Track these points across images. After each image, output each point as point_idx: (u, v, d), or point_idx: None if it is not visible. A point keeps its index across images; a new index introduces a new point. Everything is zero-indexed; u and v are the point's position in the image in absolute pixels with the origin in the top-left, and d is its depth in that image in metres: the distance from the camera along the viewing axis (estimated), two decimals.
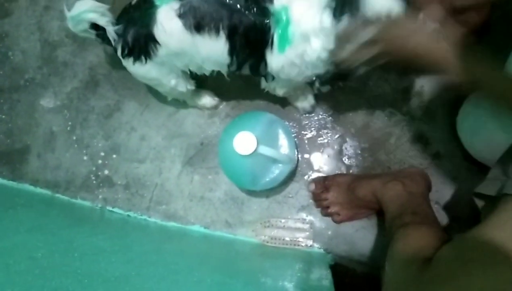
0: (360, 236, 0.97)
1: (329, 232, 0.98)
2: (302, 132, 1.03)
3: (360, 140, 1.01)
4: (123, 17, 0.78)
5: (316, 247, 0.97)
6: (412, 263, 0.63)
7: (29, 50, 1.16)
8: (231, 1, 0.71)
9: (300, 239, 0.98)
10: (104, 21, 0.77)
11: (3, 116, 1.14)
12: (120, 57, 0.80)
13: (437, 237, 0.70)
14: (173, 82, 0.86)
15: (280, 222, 1.00)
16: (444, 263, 0.58)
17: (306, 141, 1.02)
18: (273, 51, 0.73)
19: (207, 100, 1.03)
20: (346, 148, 1.02)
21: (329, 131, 1.02)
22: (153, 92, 1.08)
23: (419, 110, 1.00)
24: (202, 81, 0.95)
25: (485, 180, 0.66)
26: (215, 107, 1.05)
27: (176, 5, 0.72)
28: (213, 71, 0.83)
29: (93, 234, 0.87)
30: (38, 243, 0.73)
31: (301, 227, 0.99)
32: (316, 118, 1.03)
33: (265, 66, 0.76)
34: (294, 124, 1.03)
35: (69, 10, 0.80)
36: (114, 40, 0.78)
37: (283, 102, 1.01)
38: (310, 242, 0.98)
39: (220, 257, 0.93)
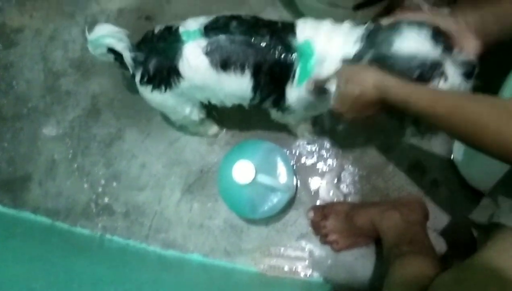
0: (359, 264, 0.96)
1: (329, 261, 0.98)
2: (301, 160, 1.04)
3: (358, 168, 1.02)
4: (145, 44, 0.78)
5: (316, 276, 0.97)
6: None
7: (33, 80, 1.19)
8: (256, 40, 0.73)
9: (300, 268, 0.98)
10: (121, 46, 0.78)
11: (6, 145, 1.15)
12: (138, 83, 0.80)
13: (433, 266, 0.70)
14: (187, 110, 0.87)
15: (279, 250, 0.99)
16: None
17: (304, 169, 1.03)
18: (293, 85, 0.75)
19: (209, 127, 1.04)
20: (344, 176, 1.02)
21: (327, 159, 1.03)
22: (155, 121, 1.10)
23: (416, 138, 1.01)
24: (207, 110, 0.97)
25: (477, 208, 0.67)
26: (216, 135, 1.07)
27: (203, 43, 0.74)
28: (234, 104, 0.85)
29: (92, 263, 0.87)
30: (37, 273, 0.73)
31: (300, 256, 0.99)
32: (314, 146, 1.04)
33: (284, 101, 0.78)
34: (293, 152, 1.04)
35: (89, 33, 0.80)
36: (131, 66, 0.79)
37: (282, 130, 1.03)
38: (309, 271, 0.97)
39: (219, 287, 0.93)
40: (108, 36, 0.79)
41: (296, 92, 0.76)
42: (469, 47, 0.69)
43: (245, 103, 0.84)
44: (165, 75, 0.77)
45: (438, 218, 0.96)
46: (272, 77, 0.75)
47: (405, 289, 0.65)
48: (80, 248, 0.98)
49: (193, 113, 0.89)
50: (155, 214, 1.06)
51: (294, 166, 1.02)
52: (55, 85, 1.18)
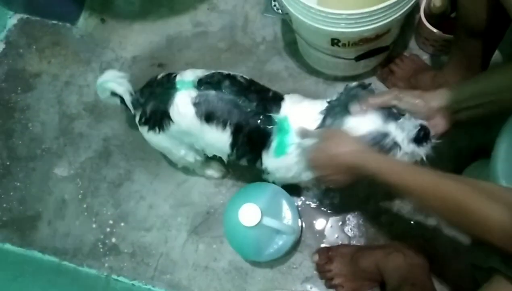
0: None
1: None
2: (306, 202, 1.06)
3: (363, 212, 1.04)
4: (147, 88, 0.86)
5: None
6: None
7: (48, 122, 1.24)
8: (243, 103, 0.79)
9: None
10: (121, 90, 0.86)
11: (18, 184, 1.18)
12: (137, 123, 0.87)
13: None
14: (182, 152, 0.92)
15: None
16: None
17: (309, 212, 1.05)
18: (269, 154, 0.81)
19: (215, 170, 1.07)
20: (349, 219, 1.04)
21: (332, 202, 1.05)
22: (164, 163, 1.13)
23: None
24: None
25: (476, 250, 0.68)
26: (222, 177, 1.10)
27: (194, 94, 0.80)
28: (214, 155, 0.91)
29: None
30: None
31: None
32: (319, 189, 1.06)
33: (261, 163, 0.84)
34: (298, 195, 1.06)
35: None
36: (132, 108, 0.86)
37: None
38: None
39: None
40: (111, 81, 0.87)
41: (273, 162, 0.83)
42: (437, 125, 0.74)
43: (224, 158, 0.89)
44: (159, 118, 0.83)
45: (442, 263, 0.96)
46: (250, 140, 0.81)
47: None
48: (86, 288, 0.98)
49: (189, 156, 0.94)
50: (161, 255, 1.06)
51: (299, 208, 1.04)
52: (68, 127, 1.22)
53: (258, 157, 0.83)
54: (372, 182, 0.66)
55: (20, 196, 1.17)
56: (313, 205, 1.06)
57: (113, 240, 1.09)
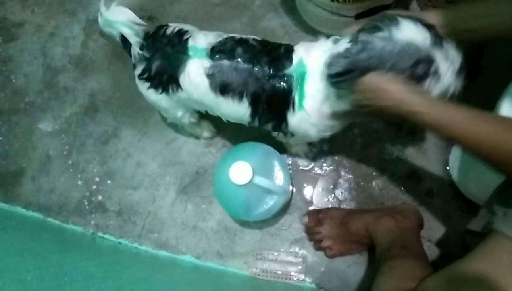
0: (352, 272, 0.96)
1: (322, 267, 0.97)
2: (297, 165, 1.04)
3: (354, 175, 1.02)
4: (154, 41, 0.78)
5: (308, 282, 0.96)
6: None
7: (32, 75, 1.19)
8: (257, 71, 0.74)
9: (292, 273, 0.97)
10: (135, 40, 0.78)
11: (1, 138, 1.14)
12: (136, 76, 0.81)
13: (422, 269, 0.71)
14: (179, 114, 0.88)
15: (273, 254, 0.99)
16: None
17: (300, 174, 1.03)
18: (294, 110, 0.75)
19: (205, 130, 1.04)
20: (340, 182, 1.03)
21: (323, 166, 1.04)
22: (152, 121, 1.10)
23: (412, 148, 1.02)
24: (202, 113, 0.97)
25: (474, 218, 0.68)
26: (212, 137, 1.07)
27: (207, 64, 0.75)
28: (230, 122, 0.86)
29: (84, 259, 0.86)
30: (28, 266, 0.72)
31: (293, 261, 0.98)
32: (311, 152, 1.04)
33: (286, 125, 0.79)
34: (290, 157, 1.04)
35: (107, 9, 0.78)
36: (135, 58, 0.79)
37: None
38: (302, 276, 0.97)
39: (210, 289, 0.92)
40: (126, 26, 0.77)
41: (297, 117, 0.76)
42: None
43: (244, 123, 0.84)
44: (165, 80, 0.78)
45: (432, 228, 0.96)
46: (270, 106, 0.76)
47: (393, 290, 0.66)
48: (71, 244, 0.97)
49: (185, 117, 0.90)
50: (149, 214, 1.05)
51: (291, 170, 1.03)
52: (53, 81, 1.17)
53: (283, 119, 0.78)
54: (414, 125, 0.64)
55: (2, 150, 1.14)
56: (304, 168, 1.04)
57: (99, 197, 1.07)
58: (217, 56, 0.75)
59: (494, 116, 0.60)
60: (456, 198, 0.97)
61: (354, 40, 0.66)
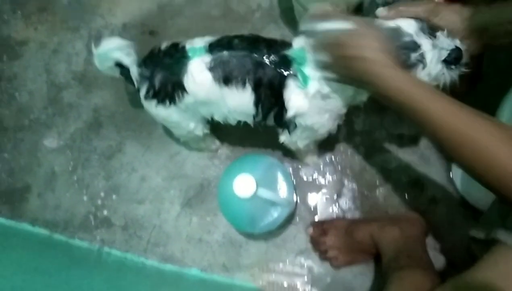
0: (358, 282, 0.96)
1: (328, 278, 0.97)
2: (301, 175, 1.04)
3: (358, 185, 1.02)
4: (151, 59, 0.79)
5: None
6: None
7: (36, 91, 1.20)
8: (255, 54, 0.75)
9: (298, 285, 0.97)
10: (129, 60, 0.79)
11: (6, 155, 1.15)
12: (142, 98, 0.81)
13: (430, 280, 0.71)
14: (192, 126, 0.88)
15: (278, 266, 0.99)
16: None
17: (304, 185, 1.04)
18: (296, 90, 0.76)
19: (211, 143, 1.05)
20: (344, 192, 1.03)
21: (327, 175, 1.04)
22: (156, 134, 1.10)
23: (415, 156, 1.02)
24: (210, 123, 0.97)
25: (477, 224, 0.68)
26: (217, 150, 1.07)
27: (208, 59, 0.76)
28: (239, 121, 0.86)
29: (90, 275, 0.87)
30: (35, 285, 0.73)
31: (299, 272, 0.98)
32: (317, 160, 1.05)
33: (287, 112, 0.79)
34: (293, 168, 1.05)
35: (96, 46, 0.80)
36: (137, 81, 0.80)
37: (282, 146, 1.03)
38: (308, 288, 0.97)
39: None
40: (117, 49, 0.79)
41: (303, 99, 0.76)
42: (470, 46, 0.68)
43: (250, 120, 0.85)
44: (170, 90, 0.78)
45: (437, 236, 0.96)
46: (272, 90, 0.76)
47: None
48: (78, 260, 0.97)
49: (197, 129, 0.90)
50: (154, 227, 1.05)
51: (294, 181, 1.03)
52: (57, 97, 1.18)
53: (283, 107, 0.78)
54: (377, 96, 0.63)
55: (8, 167, 1.14)
56: (308, 179, 1.04)
57: (105, 212, 1.08)
58: (215, 49, 0.76)
59: (473, 110, 0.58)
60: (460, 206, 0.97)
61: None
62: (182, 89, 0.78)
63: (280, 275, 0.98)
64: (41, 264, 0.86)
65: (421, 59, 0.66)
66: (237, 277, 0.99)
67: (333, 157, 1.05)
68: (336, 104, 0.78)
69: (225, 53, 0.76)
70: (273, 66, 0.75)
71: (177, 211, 1.05)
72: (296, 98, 0.76)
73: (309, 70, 0.74)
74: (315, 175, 1.04)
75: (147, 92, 0.79)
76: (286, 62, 0.75)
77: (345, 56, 0.64)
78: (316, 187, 1.03)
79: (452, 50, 0.65)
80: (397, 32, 0.66)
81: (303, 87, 0.75)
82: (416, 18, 0.68)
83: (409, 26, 0.66)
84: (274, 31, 1.16)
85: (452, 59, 0.66)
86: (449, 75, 0.67)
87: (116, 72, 0.84)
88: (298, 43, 0.76)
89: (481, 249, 0.68)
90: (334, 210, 1.02)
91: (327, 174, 1.04)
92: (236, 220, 0.93)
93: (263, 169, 0.90)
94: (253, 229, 0.92)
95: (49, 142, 1.15)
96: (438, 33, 0.66)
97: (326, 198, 1.03)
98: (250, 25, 1.17)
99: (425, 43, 0.66)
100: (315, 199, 1.03)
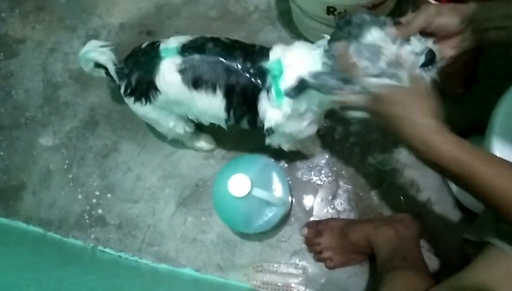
0: (352, 282, 0.96)
1: (322, 278, 0.97)
2: (296, 176, 1.04)
3: (353, 186, 1.03)
4: (131, 58, 0.82)
5: None
6: None
7: (32, 90, 1.20)
8: (230, 62, 0.75)
9: (293, 285, 0.97)
10: (104, 59, 0.82)
11: (1, 153, 1.15)
12: (123, 95, 0.83)
13: (424, 281, 0.71)
14: (171, 124, 0.89)
15: (273, 266, 0.99)
16: None
17: (299, 185, 1.04)
18: (271, 105, 0.76)
19: (204, 143, 1.05)
20: (339, 193, 1.03)
21: (322, 176, 1.04)
22: (152, 134, 1.10)
23: (410, 157, 1.03)
24: (200, 125, 0.98)
25: (471, 227, 0.68)
26: (212, 150, 1.07)
27: (178, 60, 0.76)
28: (204, 126, 0.87)
29: (84, 273, 0.86)
30: (29, 282, 0.72)
31: (293, 273, 0.98)
32: (310, 162, 1.05)
33: (261, 121, 0.79)
34: (288, 168, 1.05)
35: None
36: (116, 78, 0.82)
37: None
38: (302, 288, 0.96)
39: None
40: (92, 50, 0.84)
41: (277, 113, 0.76)
42: (465, 40, 0.67)
43: (222, 124, 0.85)
44: (145, 88, 0.80)
45: (432, 238, 0.96)
46: (245, 98, 0.77)
47: None
48: (72, 259, 0.96)
49: (178, 127, 0.91)
50: (149, 227, 1.05)
51: (289, 181, 1.03)
52: (53, 96, 1.18)
53: (257, 114, 0.78)
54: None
55: (3, 165, 1.14)
56: (303, 179, 1.04)
57: (100, 211, 1.07)
58: (187, 52, 0.76)
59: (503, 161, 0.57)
60: (455, 207, 0.98)
61: (327, 53, 0.68)
62: (155, 88, 0.79)
63: (274, 275, 0.98)
64: (35, 261, 0.85)
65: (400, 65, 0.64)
66: (232, 277, 0.99)
67: (328, 157, 1.05)
68: (314, 115, 0.79)
69: (197, 56, 0.76)
70: (247, 75, 0.75)
71: (172, 211, 1.05)
72: (272, 113, 0.77)
73: (284, 84, 0.73)
74: (311, 176, 1.04)
75: (125, 90, 0.81)
76: (261, 74, 0.75)
77: (391, 115, 0.61)
78: (311, 187, 1.04)
79: (426, 53, 0.66)
80: (375, 48, 0.64)
81: (277, 103, 0.74)
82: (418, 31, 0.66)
83: (383, 39, 0.64)
84: (271, 32, 1.16)
85: (427, 61, 0.66)
86: (428, 76, 0.67)
87: (102, 73, 0.86)
88: (275, 54, 0.76)
89: (474, 250, 0.69)
90: (329, 211, 1.02)
91: (323, 174, 1.04)
92: (231, 219, 0.93)
93: (258, 169, 0.90)
94: (248, 229, 0.92)
95: (44, 140, 1.15)
96: (411, 38, 0.66)
97: (322, 199, 1.03)
98: (248, 27, 1.17)
99: (403, 51, 0.65)
100: (310, 199, 1.03)
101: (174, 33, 1.18)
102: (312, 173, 1.04)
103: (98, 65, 0.85)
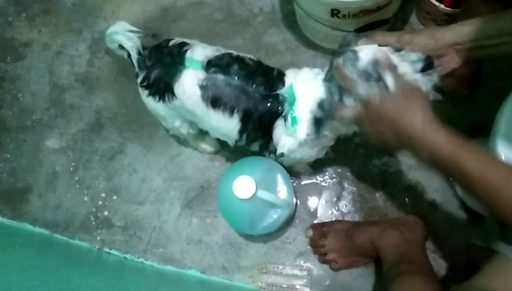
0: (357, 284, 0.96)
1: (327, 280, 0.97)
2: (301, 178, 1.05)
3: (358, 188, 1.03)
4: (156, 52, 0.81)
5: None
6: None
7: (38, 93, 1.21)
8: (251, 89, 0.75)
9: (298, 287, 0.97)
10: (129, 45, 0.82)
11: (8, 156, 1.16)
12: (138, 84, 0.83)
13: (432, 287, 0.70)
14: (177, 123, 0.90)
15: (278, 268, 0.99)
16: None
17: (304, 187, 1.04)
18: (285, 133, 0.77)
19: (208, 145, 1.05)
20: (344, 195, 1.03)
21: (327, 178, 1.04)
22: (157, 136, 1.11)
23: (415, 159, 1.02)
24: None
25: (479, 231, 0.68)
26: (216, 152, 1.08)
27: (202, 76, 0.76)
28: (218, 139, 0.88)
29: (90, 275, 0.87)
30: (35, 283, 0.73)
31: (298, 274, 0.98)
32: (314, 164, 1.05)
33: (274, 147, 0.80)
34: (293, 170, 1.05)
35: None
36: (138, 67, 0.82)
37: None
38: (307, 290, 0.96)
39: None
40: (120, 33, 0.83)
41: (291, 141, 0.78)
42: (451, 61, 0.70)
43: (230, 142, 0.86)
44: (162, 88, 0.80)
45: (437, 240, 0.96)
46: (261, 124, 0.78)
47: None
48: (78, 260, 0.97)
49: (182, 128, 0.92)
50: (154, 228, 1.05)
51: (294, 183, 1.03)
52: (59, 98, 1.19)
53: (271, 139, 0.79)
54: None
55: (10, 167, 1.15)
56: (308, 181, 1.05)
57: (105, 213, 1.08)
58: (212, 69, 0.76)
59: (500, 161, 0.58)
60: (460, 209, 0.97)
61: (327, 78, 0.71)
62: (172, 93, 0.79)
63: (279, 277, 0.98)
64: (41, 263, 0.86)
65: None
66: (236, 279, 0.99)
67: (333, 159, 1.05)
68: (327, 140, 0.80)
69: (221, 77, 0.76)
70: (266, 104, 0.76)
71: (177, 212, 1.06)
72: (286, 139, 0.78)
73: (298, 111, 0.74)
74: (315, 177, 1.04)
75: (143, 81, 0.81)
76: (278, 101, 0.76)
77: (390, 118, 0.62)
78: (316, 189, 1.04)
79: (423, 59, 0.67)
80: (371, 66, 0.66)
81: (292, 131, 0.76)
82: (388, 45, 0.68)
83: (380, 54, 0.66)
84: (276, 35, 1.16)
85: (425, 67, 0.67)
86: (429, 81, 0.68)
87: (124, 54, 0.85)
88: (289, 80, 0.77)
89: (481, 253, 0.69)
90: (333, 213, 1.02)
91: (327, 176, 1.04)
92: (236, 221, 0.94)
93: (263, 171, 0.90)
94: (253, 230, 0.92)
95: (51, 143, 1.16)
96: (402, 51, 0.68)
97: (326, 201, 1.03)
98: (252, 29, 1.18)
99: (396, 60, 0.67)
100: (315, 201, 1.03)
101: (179, 36, 1.17)
102: (317, 174, 1.05)
103: (122, 47, 0.84)
